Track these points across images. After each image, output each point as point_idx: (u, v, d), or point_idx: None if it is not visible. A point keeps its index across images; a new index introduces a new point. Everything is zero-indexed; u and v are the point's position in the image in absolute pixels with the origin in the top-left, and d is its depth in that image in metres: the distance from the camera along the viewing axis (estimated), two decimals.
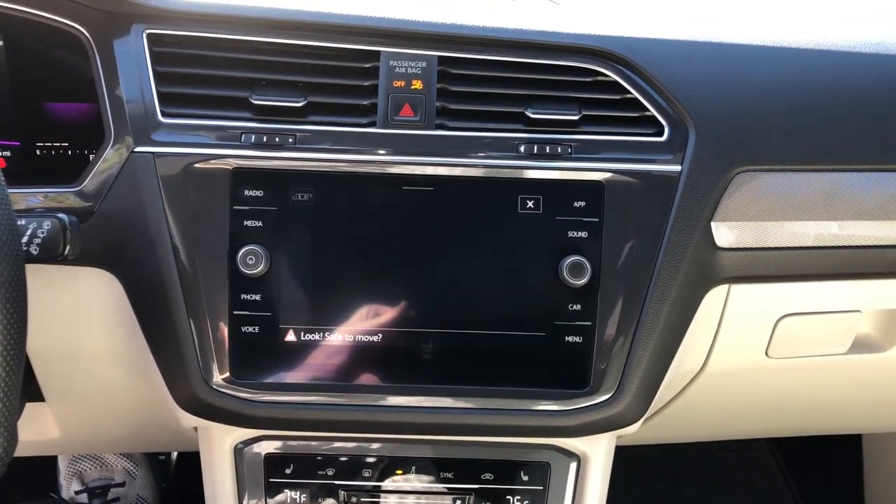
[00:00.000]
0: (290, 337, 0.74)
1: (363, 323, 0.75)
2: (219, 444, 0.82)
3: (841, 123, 0.79)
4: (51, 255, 0.67)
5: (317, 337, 0.75)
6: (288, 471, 0.83)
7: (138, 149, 0.74)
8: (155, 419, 0.93)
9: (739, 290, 0.83)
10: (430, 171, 0.76)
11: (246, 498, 0.83)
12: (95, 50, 0.77)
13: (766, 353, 0.89)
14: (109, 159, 0.75)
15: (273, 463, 0.83)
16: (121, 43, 0.77)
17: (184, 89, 0.77)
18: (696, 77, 0.78)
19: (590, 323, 0.75)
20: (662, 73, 0.78)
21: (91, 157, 0.90)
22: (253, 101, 0.76)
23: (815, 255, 0.81)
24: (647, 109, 0.78)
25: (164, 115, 0.75)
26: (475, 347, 0.75)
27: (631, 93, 0.78)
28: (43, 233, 0.66)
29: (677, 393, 0.93)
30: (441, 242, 0.75)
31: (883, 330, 0.91)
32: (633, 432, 0.83)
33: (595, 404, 0.75)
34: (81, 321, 0.82)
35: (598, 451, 0.84)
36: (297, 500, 0.83)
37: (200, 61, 0.78)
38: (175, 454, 1.54)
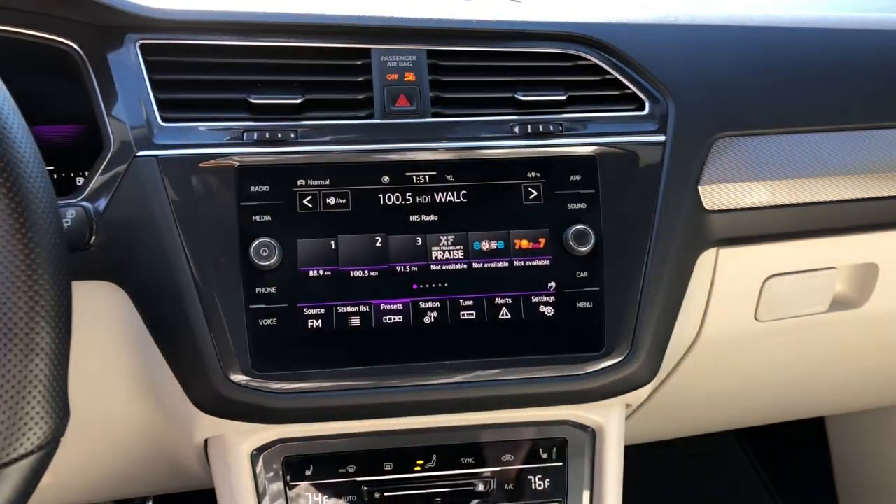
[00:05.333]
0: (308, 325, 0.74)
1: (379, 304, 0.76)
2: (235, 452, 0.80)
3: (808, 90, 0.87)
4: (76, 244, 0.66)
5: (334, 323, 0.75)
6: (308, 472, 0.81)
7: (141, 153, 0.74)
8: (158, 449, 0.91)
9: (727, 253, 0.87)
10: (431, 155, 0.78)
11: None
12: (89, 64, 0.77)
13: (756, 317, 0.93)
14: (111, 167, 0.75)
15: (292, 466, 0.81)
16: (115, 55, 0.77)
17: (182, 95, 0.78)
18: (670, 54, 0.84)
19: (598, 288, 0.78)
20: (638, 52, 0.83)
21: (79, 179, 0.89)
22: (251, 101, 0.77)
23: (793, 212, 0.86)
24: (628, 87, 0.83)
25: (164, 119, 0.76)
26: (492, 321, 0.77)
27: (611, 73, 0.83)
28: (67, 222, 0.66)
29: (675, 365, 0.96)
30: (449, 221, 0.77)
31: (856, 286, 0.97)
32: (642, 399, 0.85)
33: (612, 365, 0.77)
34: (86, 342, 0.79)
35: (611, 423, 0.85)
36: (320, 502, 0.82)
37: (196, 67, 0.79)
38: None
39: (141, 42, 0.78)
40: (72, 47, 0.78)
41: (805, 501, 1.86)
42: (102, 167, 0.75)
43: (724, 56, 0.86)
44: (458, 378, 0.76)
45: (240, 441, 0.80)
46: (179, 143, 0.75)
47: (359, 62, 0.81)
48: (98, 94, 0.77)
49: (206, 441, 0.84)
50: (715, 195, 0.83)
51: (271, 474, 0.81)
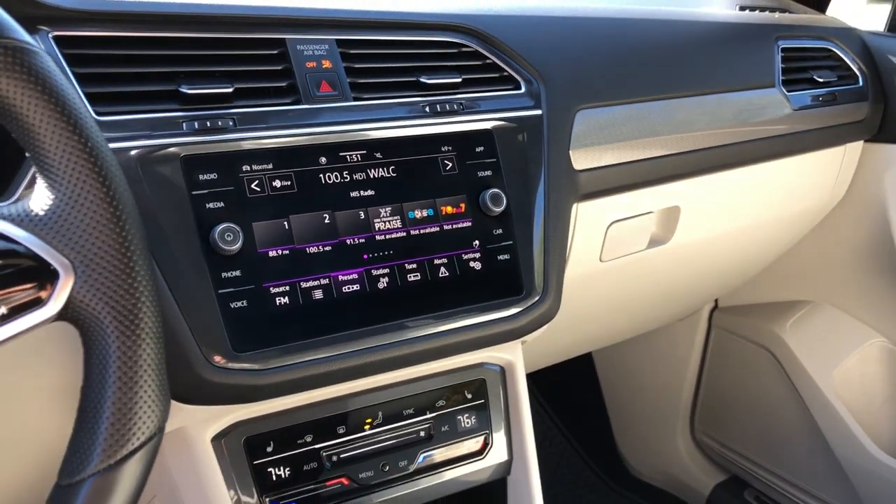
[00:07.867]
0: (277, 302, 0.78)
1: (337, 276, 0.81)
2: (199, 441, 0.80)
3: (642, 69, 1.09)
4: None
5: (300, 298, 0.79)
6: (269, 449, 0.84)
7: None
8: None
9: (584, 206, 1.05)
10: (360, 136, 0.85)
11: (235, 487, 0.82)
12: None
13: (600, 259, 1.13)
14: None
15: (253, 446, 0.83)
16: None
17: (111, 88, 0.76)
18: (539, 41, 1.00)
19: (511, 241, 0.91)
20: (512, 40, 0.98)
21: None
22: (184, 92, 0.78)
23: (631, 168, 1.07)
24: (505, 70, 0.97)
25: (99, 114, 0.74)
26: (434, 279, 0.86)
27: (490, 58, 0.96)
28: None
29: None
30: (385, 194, 0.85)
31: (665, 225, 1.21)
32: (539, 334, 1.00)
33: (531, 305, 0.91)
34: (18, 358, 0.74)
35: (517, 359, 0.99)
36: (284, 475, 0.85)
37: (119, 60, 0.77)
38: None
39: (55, 34, 0.74)
40: None
41: (585, 427, 2.17)
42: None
43: (581, 42, 1.04)
44: (418, 333, 0.84)
45: (202, 430, 0.81)
46: (122, 136, 0.74)
47: (275, 51, 0.85)
48: None
49: None
50: (580, 158, 1.00)
51: (235, 458, 0.82)
